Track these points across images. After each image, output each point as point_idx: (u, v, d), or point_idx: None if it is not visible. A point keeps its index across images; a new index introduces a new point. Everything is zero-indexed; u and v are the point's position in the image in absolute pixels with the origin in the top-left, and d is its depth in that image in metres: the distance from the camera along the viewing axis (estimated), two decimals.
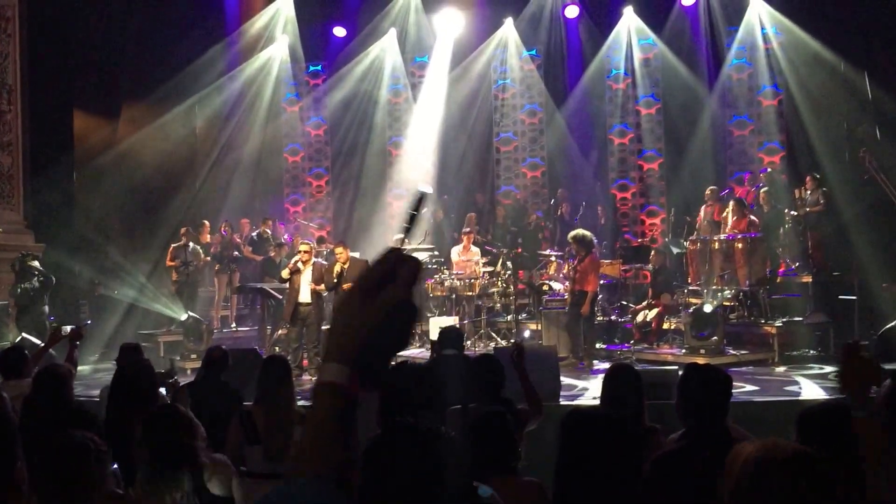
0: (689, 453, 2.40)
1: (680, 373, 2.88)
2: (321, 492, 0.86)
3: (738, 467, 1.36)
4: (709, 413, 2.58)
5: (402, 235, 0.95)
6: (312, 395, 0.90)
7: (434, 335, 8.86)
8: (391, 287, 0.88)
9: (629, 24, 12.39)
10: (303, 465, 0.88)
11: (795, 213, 9.95)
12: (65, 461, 2.17)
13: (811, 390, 7.00)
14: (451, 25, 12.75)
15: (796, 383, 7.37)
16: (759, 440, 1.39)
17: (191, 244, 10.51)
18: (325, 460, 0.87)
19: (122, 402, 3.42)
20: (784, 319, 8.92)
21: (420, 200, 0.95)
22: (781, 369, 8.09)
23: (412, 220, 0.95)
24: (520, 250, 10.64)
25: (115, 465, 2.70)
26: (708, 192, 10.61)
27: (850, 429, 2.09)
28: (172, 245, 10.58)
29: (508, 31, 12.79)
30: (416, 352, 9.45)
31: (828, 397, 6.22)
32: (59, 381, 3.53)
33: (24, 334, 8.06)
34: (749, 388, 7.07)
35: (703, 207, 10.56)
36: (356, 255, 9.23)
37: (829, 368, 7.90)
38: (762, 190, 10.37)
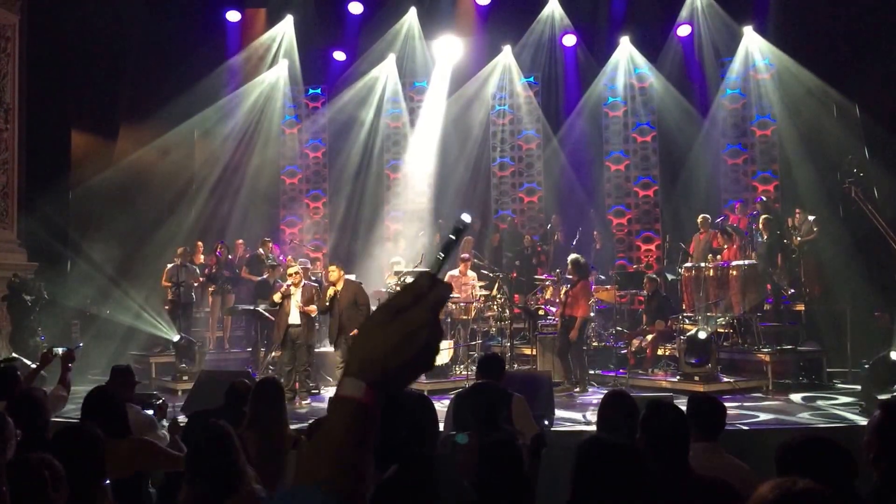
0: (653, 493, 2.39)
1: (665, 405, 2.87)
2: (323, 501, 0.83)
3: None
4: (670, 451, 2.58)
5: (437, 259, 0.94)
6: (329, 408, 0.91)
7: None
8: (417, 308, 0.88)
9: (625, 54, 12.58)
10: (308, 473, 0.87)
11: (787, 242, 10.01)
12: (20, 484, 2.16)
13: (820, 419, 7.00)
14: (450, 52, 12.91)
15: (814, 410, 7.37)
16: (775, 480, 1.39)
17: (187, 264, 10.56)
18: (333, 472, 0.86)
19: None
20: (777, 347, 8.93)
21: (461, 230, 0.96)
22: (797, 397, 8.07)
23: (449, 246, 0.94)
24: (515, 274, 10.65)
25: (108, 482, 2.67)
26: (700, 219, 10.69)
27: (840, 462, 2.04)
28: (168, 265, 10.60)
29: (507, 58, 12.95)
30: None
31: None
32: (34, 404, 3.48)
33: (14, 354, 7.98)
34: (763, 416, 7.04)
35: (696, 235, 10.63)
36: (351, 277, 9.21)
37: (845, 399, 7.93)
38: (762, 217, 10.42)
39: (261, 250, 11.44)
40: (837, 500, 1.35)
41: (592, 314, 9.31)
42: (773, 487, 1.35)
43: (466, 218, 0.97)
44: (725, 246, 9.75)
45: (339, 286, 8.40)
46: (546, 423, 5.95)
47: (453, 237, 0.95)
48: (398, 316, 0.89)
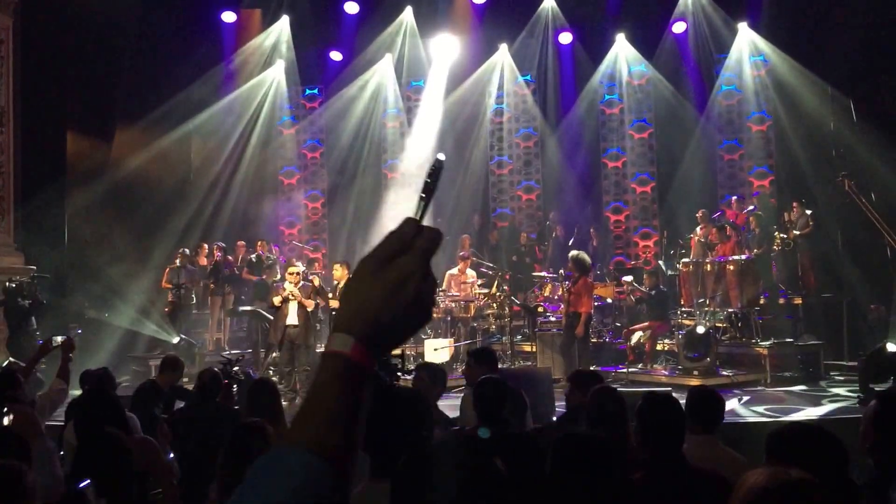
0: (646, 485, 2.42)
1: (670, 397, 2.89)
2: (307, 465, 0.75)
3: (742, 495, 1.36)
4: (664, 443, 2.60)
5: (419, 204, 0.85)
6: (318, 366, 0.82)
7: (430, 357, 8.88)
8: (406, 257, 0.81)
9: (621, 51, 12.61)
10: (294, 433, 0.78)
11: (785, 237, 10.06)
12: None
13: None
14: (446, 51, 12.92)
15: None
16: (766, 468, 1.39)
17: (187, 266, 10.61)
18: (320, 433, 0.77)
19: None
20: (775, 341, 8.97)
21: (438, 169, 0.88)
22: (795, 389, 8.11)
23: (428, 189, 0.86)
24: (509, 276, 10.66)
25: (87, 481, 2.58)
26: (699, 214, 10.71)
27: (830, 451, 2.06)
28: (168, 267, 10.65)
29: (503, 56, 12.97)
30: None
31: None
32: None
33: (11, 359, 7.94)
34: (761, 408, 7.06)
35: (697, 228, 10.64)
36: None
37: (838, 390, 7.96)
38: (752, 213, 10.48)
39: (259, 251, 11.45)
40: (825, 491, 1.36)
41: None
42: (768, 477, 1.36)
43: (441, 156, 0.88)
44: (718, 242, 9.78)
45: (342, 284, 8.41)
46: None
47: (430, 180, 0.87)
48: (385, 265, 0.81)
